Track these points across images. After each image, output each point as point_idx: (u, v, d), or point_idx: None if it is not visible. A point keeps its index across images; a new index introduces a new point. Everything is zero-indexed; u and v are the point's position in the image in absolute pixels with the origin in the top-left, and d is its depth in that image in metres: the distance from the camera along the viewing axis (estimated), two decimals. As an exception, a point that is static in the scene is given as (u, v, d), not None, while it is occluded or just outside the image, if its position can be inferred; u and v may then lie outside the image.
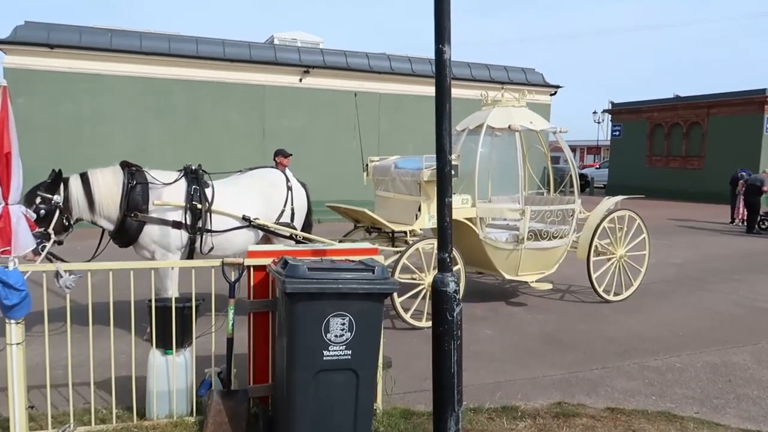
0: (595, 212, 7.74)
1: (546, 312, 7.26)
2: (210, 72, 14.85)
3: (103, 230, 5.50)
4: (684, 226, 16.59)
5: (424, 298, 6.46)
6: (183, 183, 5.58)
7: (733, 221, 17.13)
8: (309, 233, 6.49)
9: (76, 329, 4.24)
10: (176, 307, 3.82)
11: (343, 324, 3.16)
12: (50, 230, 5.02)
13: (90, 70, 13.71)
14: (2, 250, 3.33)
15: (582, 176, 33.75)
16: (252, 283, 3.80)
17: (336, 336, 3.15)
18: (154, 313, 3.82)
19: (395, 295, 6.21)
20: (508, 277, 7.32)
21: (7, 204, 3.35)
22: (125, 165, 5.45)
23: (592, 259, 7.56)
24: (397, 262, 6.27)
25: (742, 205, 16.47)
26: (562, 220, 7.62)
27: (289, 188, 6.09)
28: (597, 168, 38.75)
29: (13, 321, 3.46)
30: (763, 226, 15.70)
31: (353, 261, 3.57)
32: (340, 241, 7.19)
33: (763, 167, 18.28)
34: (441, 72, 3.03)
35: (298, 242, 6.13)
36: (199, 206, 5.50)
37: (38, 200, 4.99)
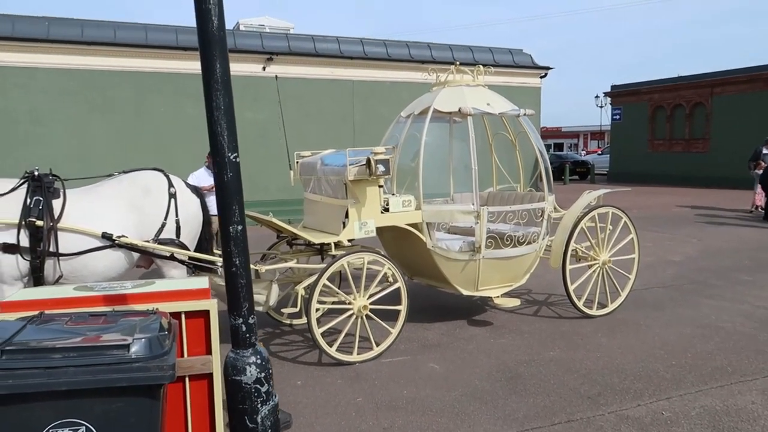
0: (571, 210, 6.43)
1: (512, 334, 5.98)
2: (161, 62, 13.57)
3: None
4: (695, 214, 15.21)
5: (354, 324, 5.22)
6: (20, 194, 4.33)
7: (754, 210, 15.02)
8: (210, 249, 5.24)
9: None
10: None
11: (78, 438, 1.91)
12: None
13: (25, 63, 12.46)
14: None
15: (583, 163, 32.31)
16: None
17: (66, 459, 1.91)
18: None
19: (313, 321, 4.96)
20: (466, 293, 6.04)
21: None
22: (-61, 173, 4.20)
23: (570, 266, 6.27)
24: (314, 284, 5.00)
25: (759, 190, 14.60)
26: (531, 222, 6.32)
27: (172, 195, 4.81)
28: (599, 154, 37.33)
29: None
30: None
31: (150, 315, 2.31)
32: (263, 257, 5.95)
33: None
34: (204, 16, 1.78)
35: (182, 263, 4.88)
36: (40, 223, 4.25)
37: None
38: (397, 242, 6.21)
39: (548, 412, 4.23)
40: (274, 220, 5.37)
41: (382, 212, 5.53)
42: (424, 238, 5.73)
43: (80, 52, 12.89)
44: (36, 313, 2.41)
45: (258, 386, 1.94)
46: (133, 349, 1.96)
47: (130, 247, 4.55)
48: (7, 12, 13.89)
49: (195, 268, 5.07)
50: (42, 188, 4.37)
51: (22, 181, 4.40)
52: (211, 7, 1.83)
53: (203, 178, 7.97)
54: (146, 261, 4.97)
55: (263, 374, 1.96)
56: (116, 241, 4.46)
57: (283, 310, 5.70)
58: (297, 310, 5.36)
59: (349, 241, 5.54)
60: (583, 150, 54.10)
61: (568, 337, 5.81)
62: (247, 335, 1.98)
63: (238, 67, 14.41)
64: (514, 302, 6.17)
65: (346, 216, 5.41)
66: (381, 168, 5.16)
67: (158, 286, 2.81)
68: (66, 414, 1.88)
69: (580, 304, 6.32)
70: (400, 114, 6.60)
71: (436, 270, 5.88)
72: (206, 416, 2.75)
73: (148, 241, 4.65)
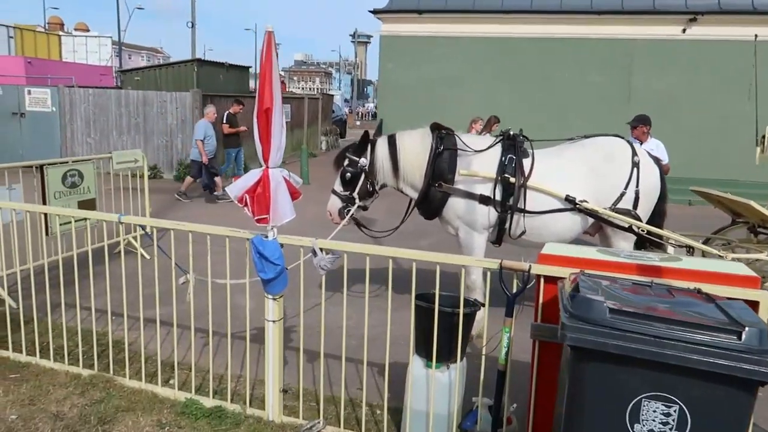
0: None
1: None
2: (571, 27, 13.38)
3: (411, 199, 4.98)
4: None
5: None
6: (497, 151, 4.64)
7: None
8: (660, 225, 4.84)
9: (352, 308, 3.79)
10: (445, 312, 2.96)
11: (667, 415, 1.78)
12: (355, 194, 4.74)
13: (451, 33, 13.85)
14: (259, 218, 2.97)
15: None
16: (541, 300, 2.64)
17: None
18: (415, 314, 3.05)
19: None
20: None
21: (267, 167, 2.96)
22: (435, 127, 4.78)
23: None
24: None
25: None
26: None
27: (635, 164, 4.52)
28: None
29: (270, 296, 3.13)
30: None
31: (703, 296, 2.09)
32: (706, 240, 5.28)
33: None
34: None
35: (639, 237, 4.59)
36: (512, 180, 4.49)
37: (346, 162, 4.74)
38: None
39: None
40: (753, 204, 4.62)
41: None
42: None
43: (498, 21, 13.68)
44: (578, 270, 2.43)
45: None
46: (745, 337, 1.73)
47: (589, 213, 4.48)
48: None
49: (641, 242, 4.75)
50: (515, 148, 4.60)
51: (498, 139, 4.72)
52: None
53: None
54: (595, 228, 4.88)
55: None
56: (578, 205, 4.43)
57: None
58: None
59: None
60: None
61: None
62: None
63: (651, 30, 13.28)
64: None
65: None
66: None
67: (688, 263, 2.55)
68: (661, 388, 1.78)
69: None
70: None
71: None
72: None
73: (605, 209, 4.50)
